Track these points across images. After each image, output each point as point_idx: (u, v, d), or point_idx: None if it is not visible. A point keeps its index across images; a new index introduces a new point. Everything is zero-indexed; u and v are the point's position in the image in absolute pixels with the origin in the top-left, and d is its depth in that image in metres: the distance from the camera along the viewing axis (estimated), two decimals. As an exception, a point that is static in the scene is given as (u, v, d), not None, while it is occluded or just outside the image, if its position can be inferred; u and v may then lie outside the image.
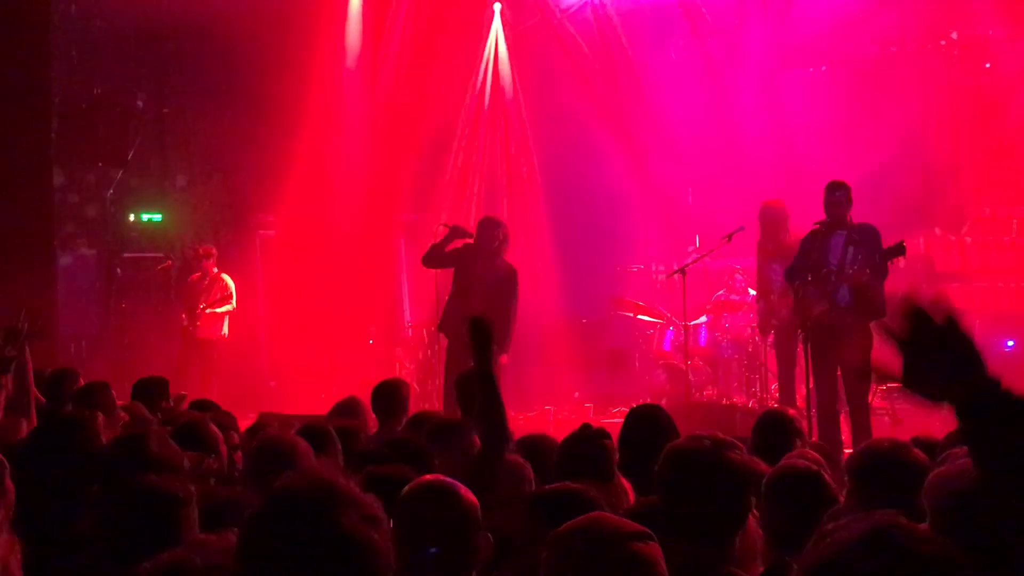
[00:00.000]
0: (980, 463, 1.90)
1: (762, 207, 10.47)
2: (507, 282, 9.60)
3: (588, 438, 4.45)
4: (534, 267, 13.56)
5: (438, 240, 9.79)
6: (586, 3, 14.64)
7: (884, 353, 2.02)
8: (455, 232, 9.69)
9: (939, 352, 1.96)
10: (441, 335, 10.38)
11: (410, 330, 13.75)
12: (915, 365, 1.99)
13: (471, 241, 9.66)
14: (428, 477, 3.27)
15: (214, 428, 4.74)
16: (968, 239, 12.77)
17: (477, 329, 4.62)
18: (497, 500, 4.27)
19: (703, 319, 12.20)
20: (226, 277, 12.57)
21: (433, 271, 10.76)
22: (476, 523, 3.09)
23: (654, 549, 2.48)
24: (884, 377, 2.07)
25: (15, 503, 3.60)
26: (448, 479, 3.22)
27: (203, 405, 6.33)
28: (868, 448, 3.85)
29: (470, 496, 3.13)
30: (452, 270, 9.96)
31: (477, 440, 4.77)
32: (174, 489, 3.15)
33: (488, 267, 9.57)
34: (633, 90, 14.80)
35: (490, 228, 9.66)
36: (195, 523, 3.16)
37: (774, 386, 11.00)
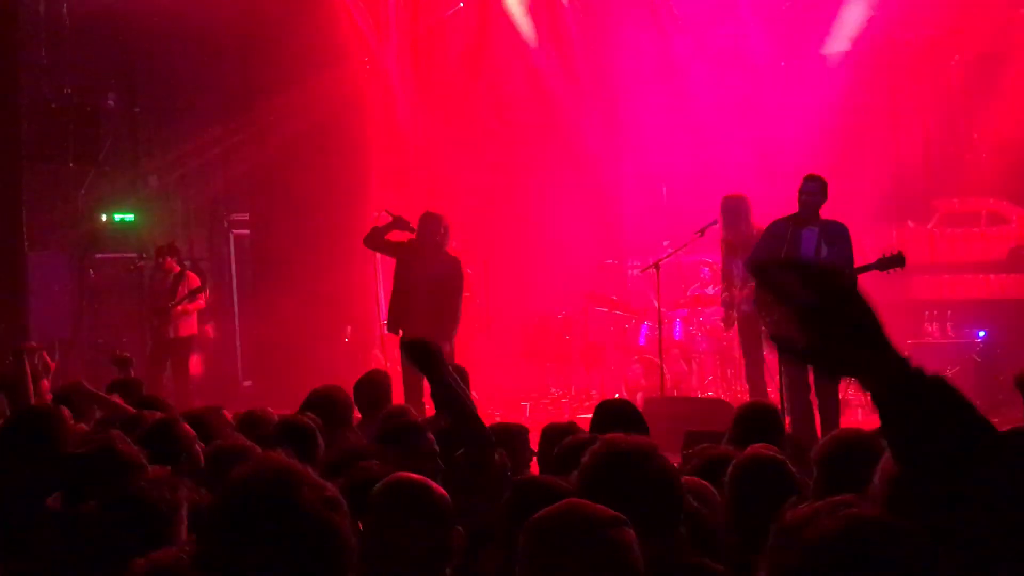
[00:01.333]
0: (897, 449, 1.75)
1: (723, 201, 10.49)
2: (452, 274, 9.75)
3: None
4: (509, 262, 13.61)
5: (380, 225, 9.87)
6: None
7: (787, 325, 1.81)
8: (398, 223, 9.81)
9: (844, 318, 1.75)
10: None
11: (386, 328, 13.72)
12: (820, 333, 1.77)
13: (414, 236, 9.73)
14: (400, 474, 3.25)
15: (187, 427, 4.71)
16: (937, 231, 12.87)
17: (415, 353, 4.57)
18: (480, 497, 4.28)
19: (678, 313, 12.26)
20: (191, 273, 12.41)
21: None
22: (449, 519, 3.09)
23: (629, 535, 2.50)
24: (787, 348, 1.83)
25: None
26: (419, 476, 3.21)
27: (153, 402, 6.31)
28: (833, 438, 3.86)
29: (442, 492, 3.13)
30: (394, 266, 10.06)
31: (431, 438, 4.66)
32: (161, 500, 3.16)
33: (432, 261, 9.68)
34: (607, 85, 14.85)
35: (431, 223, 9.75)
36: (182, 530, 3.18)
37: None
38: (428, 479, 3.20)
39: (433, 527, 3.05)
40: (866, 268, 8.17)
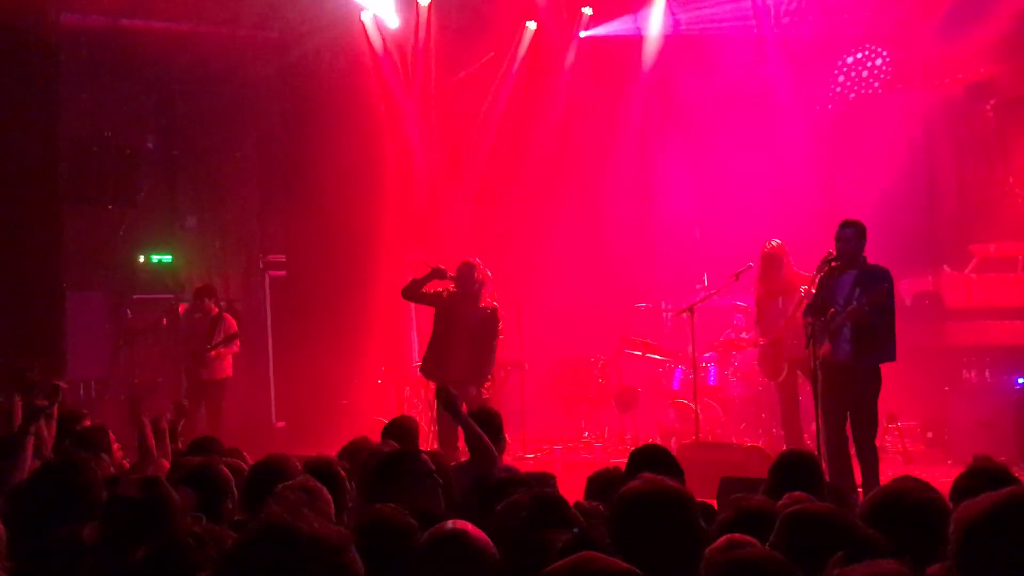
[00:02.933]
0: None
1: (763, 249, 10.49)
2: (489, 322, 9.87)
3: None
4: (542, 306, 13.60)
5: (418, 277, 9.99)
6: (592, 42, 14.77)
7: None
8: (436, 273, 9.93)
9: None
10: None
11: (418, 369, 13.74)
12: None
13: (452, 286, 9.84)
14: (447, 525, 3.23)
15: (226, 471, 4.74)
16: (974, 276, 12.77)
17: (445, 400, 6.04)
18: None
19: (712, 357, 12.20)
20: (229, 316, 12.46)
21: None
22: (494, 570, 3.08)
23: None
24: None
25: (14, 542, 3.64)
26: (465, 525, 3.19)
27: (204, 445, 6.35)
28: (885, 491, 3.79)
29: (488, 544, 3.12)
30: (433, 314, 10.14)
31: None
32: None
33: (470, 310, 9.83)
34: (640, 126, 14.90)
35: (468, 273, 9.88)
36: None
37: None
38: (475, 529, 3.18)
39: None
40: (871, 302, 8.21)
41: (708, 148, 14.35)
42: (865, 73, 13.94)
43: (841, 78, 14.05)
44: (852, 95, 13.96)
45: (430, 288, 9.99)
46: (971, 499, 2.53)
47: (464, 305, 9.85)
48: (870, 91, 13.86)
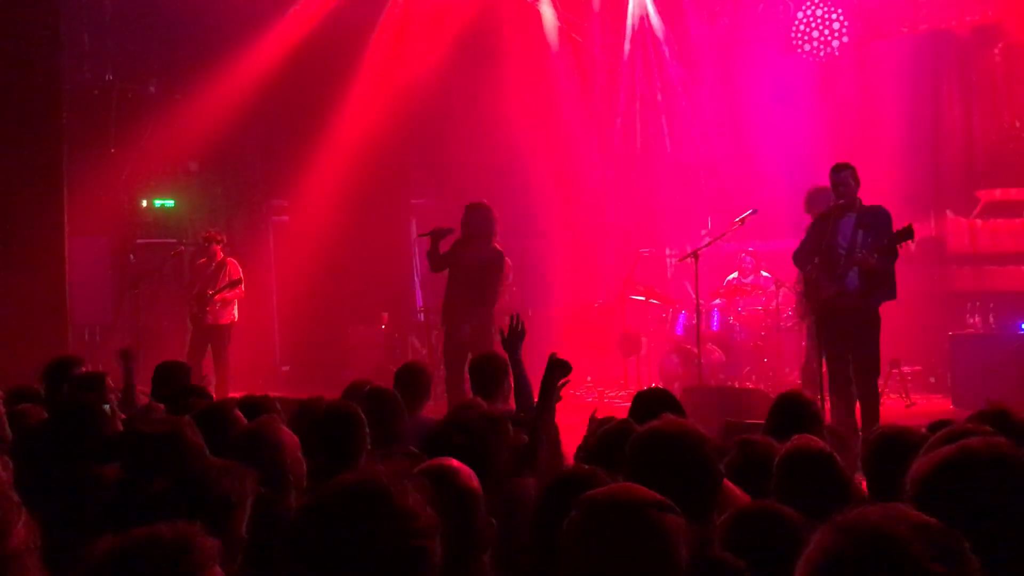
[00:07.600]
0: None
1: (809, 193, 10.33)
2: (488, 265, 9.45)
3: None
4: (545, 251, 13.59)
5: (429, 249, 9.72)
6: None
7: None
8: (436, 234, 9.60)
9: None
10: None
11: (421, 315, 13.77)
12: None
13: (456, 234, 9.63)
14: (433, 462, 3.23)
15: (239, 414, 4.74)
16: (979, 222, 12.72)
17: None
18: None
19: (716, 303, 12.19)
20: (233, 262, 12.43)
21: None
22: (477, 507, 3.08)
23: (673, 521, 2.52)
24: None
25: (29, 484, 3.64)
26: (451, 462, 3.18)
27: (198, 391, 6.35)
28: (881, 435, 3.80)
29: (472, 480, 3.12)
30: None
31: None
32: (232, 490, 3.15)
33: (473, 252, 9.46)
34: (645, 71, 14.79)
35: (468, 214, 9.56)
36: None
37: (787, 370, 10.99)
38: (461, 465, 3.18)
39: (460, 514, 3.03)
40: (882, 248, 8.17)
41: (716, 91, 14.23)
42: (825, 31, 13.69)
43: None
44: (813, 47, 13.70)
45: (444, 246, 9.67)
46: (925, 455, 2.53)
47: (466, 248, 9.50)
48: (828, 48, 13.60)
